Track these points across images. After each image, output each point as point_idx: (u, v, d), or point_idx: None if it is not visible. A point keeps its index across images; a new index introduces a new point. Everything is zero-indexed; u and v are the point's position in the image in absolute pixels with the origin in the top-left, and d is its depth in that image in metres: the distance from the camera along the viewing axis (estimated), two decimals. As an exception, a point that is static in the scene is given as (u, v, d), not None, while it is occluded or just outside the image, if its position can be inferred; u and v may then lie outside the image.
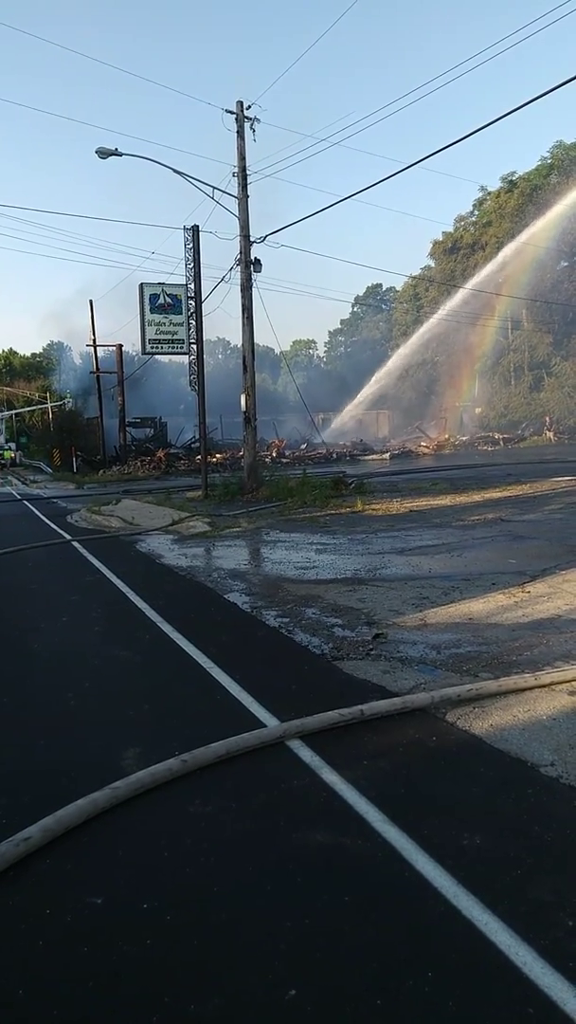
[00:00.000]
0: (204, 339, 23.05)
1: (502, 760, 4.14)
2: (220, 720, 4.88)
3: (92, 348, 44.61)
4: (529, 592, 7.87)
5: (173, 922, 2.92)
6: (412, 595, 8.05)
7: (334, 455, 43.32)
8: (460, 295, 55.09)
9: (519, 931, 2.72)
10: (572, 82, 12.47)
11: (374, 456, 43.15)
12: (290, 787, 3.96)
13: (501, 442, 49.53)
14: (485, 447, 48.30)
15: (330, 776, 4.01)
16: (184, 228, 22.03)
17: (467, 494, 18.48)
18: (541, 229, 51.19)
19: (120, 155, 19.69)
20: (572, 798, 3.67)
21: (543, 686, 5.10)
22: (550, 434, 50.62)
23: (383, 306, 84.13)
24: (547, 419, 52.31)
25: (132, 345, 42.98)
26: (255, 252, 20.99)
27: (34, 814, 3.60)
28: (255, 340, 21.45)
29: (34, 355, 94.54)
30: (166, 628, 7.40)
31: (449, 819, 3.54)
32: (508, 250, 52.43)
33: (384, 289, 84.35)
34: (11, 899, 3.11)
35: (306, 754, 4.29)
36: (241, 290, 21.02)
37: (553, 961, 2.56)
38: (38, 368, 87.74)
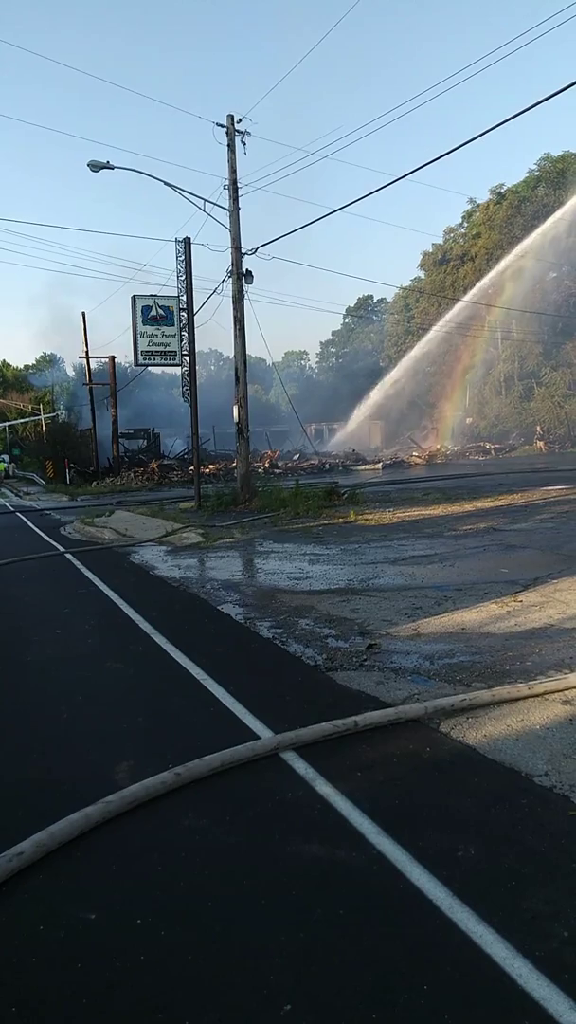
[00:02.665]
0: (196, 350, 23.12)
1: (496, 770, 4.14)
2: (214, 732, 4.87)
3: (85, 360, 44.68)
4: (521, 601, 7.89)
5: (167, 937, 2.91)
6: (405, 605, 8.06)
7: (326, 465, 43.42)
8: (455, 306, 55.43)
9: (515, 943, 2.72)
10: (558, 96, 12.63)
11: (366, 466, 43.26)
12: (284, 799, 3.95)
13: (492, 452, 49.72)
14: (476, 457, 48.49)
15: (324, 788, 4.00)
16: (176, 240, 22.10)
17: (459, 504, 18.53)
18: (532, 242, 51.57)
19: (112, 168, 19.79)
20: (566, 808, 3.67)
21: (536, 695, 5.10)
22: (540, 444, 50.82)
23: (374, 317, 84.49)
24: (537, 429, 52.53)
25: (125, 357, 43.13)
26: (247, 264, 21.11)
27: (27, 829, 3.58)
28: (247, 351, 21.52)
29: (27, 367, 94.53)
30: (159, 640, 7.38)
31: (444, 830, 3.53)
32: (507, 262, 52.77)
33: (375, 301, 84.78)
34: (4, 915, 3.09)
35: (300, 766, 4.28)
36: (233, 302, 21.10)
37: (549, 973, 2.56)
38: (31, 380, 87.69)
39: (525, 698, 5.08)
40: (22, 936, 2.96)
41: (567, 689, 5.18)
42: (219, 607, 8.73)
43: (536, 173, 56.91)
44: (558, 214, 50.19)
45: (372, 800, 3.83)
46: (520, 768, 4.11)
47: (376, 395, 63.31)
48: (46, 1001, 2.62)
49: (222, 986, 2.64)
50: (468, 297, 54.06)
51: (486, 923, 2.83)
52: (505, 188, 58.81)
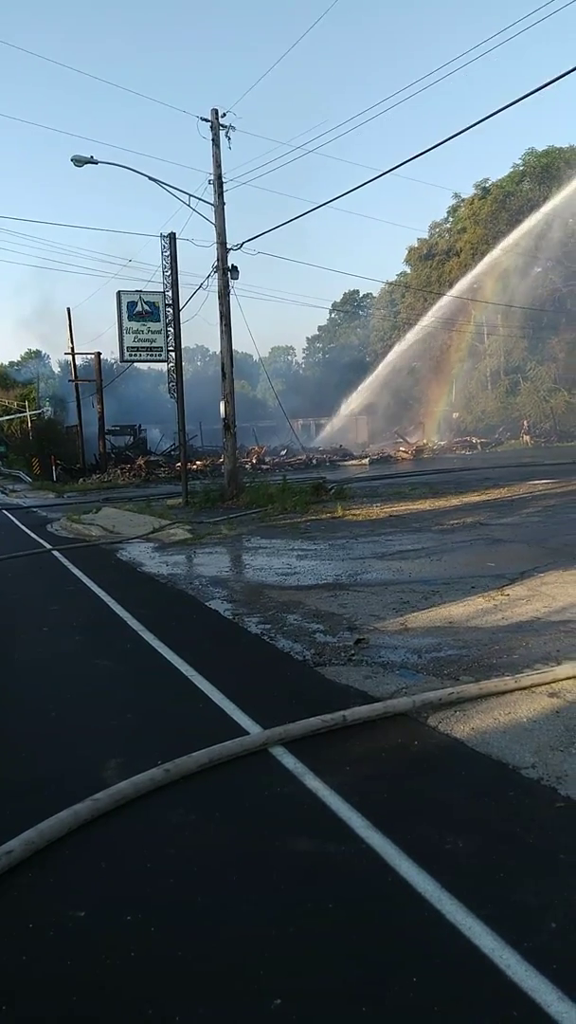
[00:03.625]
0: (182, 346, 23.08)
1: (483, 763, 4.16)
2: (203, 728, 4.87)
3: (70, 356, 44.48)
4: (508, 595, 7.93)
5: (157, 933, 2.91)
6: (393, 600, 8.08)
7: (314, 461, 43.39)
8: (440, 301, 55.49)
9: (503, 934, 2.74)
10: (542, 91, 12.68)
11: (354, 462, 43.29)
12: (273, 794, 3.96)
13: (478, 446, 49.84)
14: (463, 451, 48.60)
15: (313, 782, 4.01)
16: (161, 235, 22.00)
17: (445, 498, 18.59)
18: (518, 237, 51.63)
19: (96, 163, 19.67)
20: (553, 799, 3.69)
21: (523, 688, 5.13)
22: (526, 438, 51.00)
23: (360, 312, 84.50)
24: (523, 423, 52.70)
25: (111, 352, 42.93)
26: (232, 259, 21.05)
27: (15, 827, 3.56)
28: (234, 347, 21.48)
29: (11, 363, 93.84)
30: (147, 636, 7.37)
31: (432, 823, 3.55)
32: (492, 256, 52.82)
33: (361, 296, 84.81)
34: (-7, 914, 3.08)
35: (289, 761, 4.29)
36: (219, 297, 21.04)
37: (537, 963, 2.58)
38: (15, 377, 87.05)
39: (512, 691, 5.10)
40: (12, 934, 2.95)
41: (554, 682, 5.21)
42: (207, 603, 8.72)
43: (521, 168, 57.02)
44: (545, 208, 50.19)
45: (361, 794, 3.85)
46: (507, 760, 4.14)
47: (364, 391, 63.22)
48: (37, 998, 2.62)
49: (212, 981, 2.64)
50: (454, 292, 54.09)
51: (475, 915, 2.85)
52: (490, 183, 58.88)
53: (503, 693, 5.08)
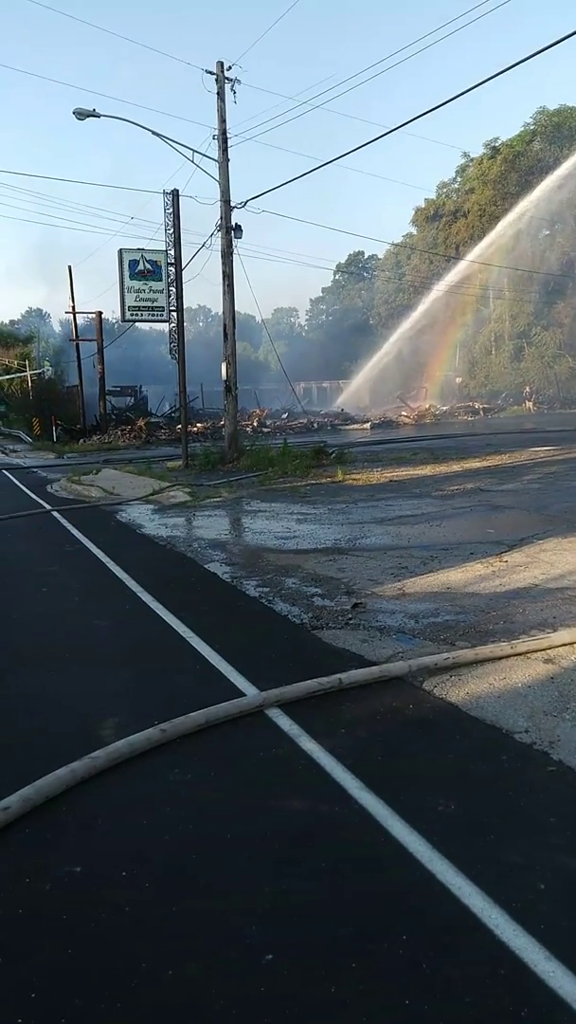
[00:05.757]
0: (185, 306, 22.76)
1: (477, 727, 4.19)
2: (200, 689, 4.91)
3: (71, 315, 43.99)
4: (506, 561, 7.93)
5: (152, 889, 2.95)
6: (391, 565, 8.09)
7: (315, 425, 43.11)
8: (449, 266, 54.53)
9: (492, 894, 2.78)
10: (555, 47, 12.30)
11: (355, 426, 43.02)
12: (269, 755, 3.99)
13: (481, 412, 49.46)
14: (465, 417, 48.27)
15: (308, 744, 4.04)
16: (164, 192, 21.55)
17: (446, 464, 18.52)
18: (530, 201, 50.49)
19: (98, 116, 19.20)
20: (545, 763, 3.73)
21: (519, 654, 5.16)
22: (530, 404, 50.65)
23: (365, 274, 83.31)
24: (527, 389, 52.31)
25: (112, 312, 42.44)
26: (236, 218, 20.68)
27: (13, 784, 3.60)
28: (236, 308, 21.22)
29: (12, 322, 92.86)
30: (146, 598, 7.39)
31: (425, 786, 3.59)
32: (506, 222, 51.66)
33: (366, 257, 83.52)
34: (-10, 868, 3.13)
35: (285, 722, 4.33)
36: (222, 256, 20.71)
37: (525, 923, 2.62)
38: (16, 336, 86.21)
39: (508, 657, 5.13)
40: (8, 889, 3.00)
41: (549, 648, 5.23)
42: (206, 566, 8.73)
43: (531, 127, 55.70)
44: (561, 171, 48.95)
45: (355, 756, 3.88)
46: (501, 725, 4.17)
47: (379, 358, 61.85)
48: (32, 952, 2.66)
49: (205, 937, 2.69)
50: (468, 257, 53.09)
51: (464, 875, 2.89)
52: (499, 142, 57.55)
53: (499, 659, 5.10)
